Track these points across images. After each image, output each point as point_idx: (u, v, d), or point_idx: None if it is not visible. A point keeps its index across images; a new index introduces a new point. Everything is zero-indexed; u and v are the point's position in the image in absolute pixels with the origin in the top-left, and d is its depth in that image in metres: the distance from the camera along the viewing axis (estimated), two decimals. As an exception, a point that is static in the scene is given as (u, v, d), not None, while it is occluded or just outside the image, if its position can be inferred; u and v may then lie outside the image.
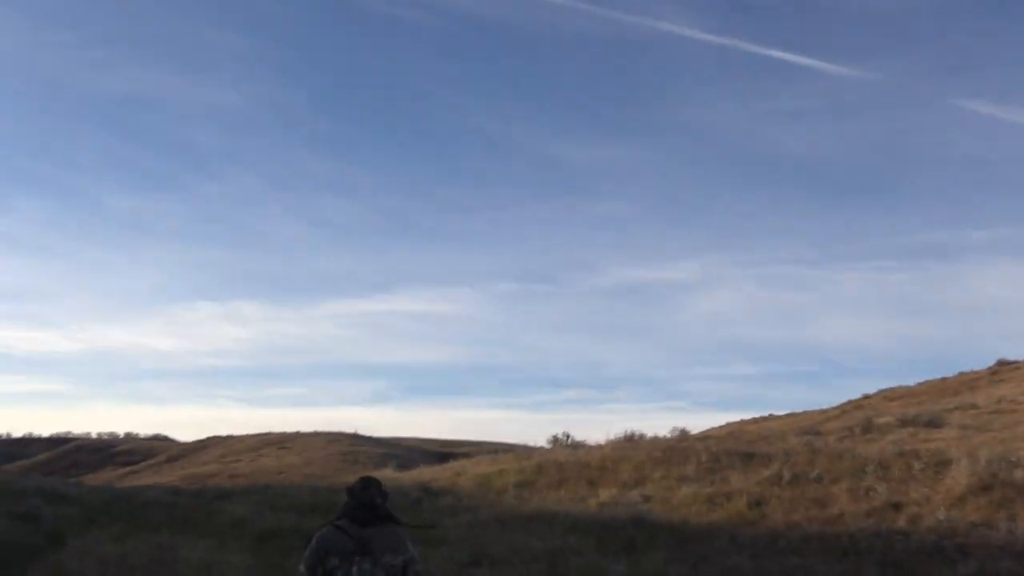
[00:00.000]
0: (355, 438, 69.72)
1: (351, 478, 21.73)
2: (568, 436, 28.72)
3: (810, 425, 29.00)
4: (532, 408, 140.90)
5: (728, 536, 14.61)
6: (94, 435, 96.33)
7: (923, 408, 28.48)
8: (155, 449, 77.85)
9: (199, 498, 21.56)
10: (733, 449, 21.54)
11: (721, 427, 35.28)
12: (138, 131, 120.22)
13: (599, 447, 24.47)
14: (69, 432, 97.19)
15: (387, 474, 26.39)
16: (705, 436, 27.07)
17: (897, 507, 14.51)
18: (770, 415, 39.32)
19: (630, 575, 11.68)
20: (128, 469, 67.50)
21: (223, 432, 76.63)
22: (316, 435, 70.60)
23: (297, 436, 70.94)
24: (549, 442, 28.93)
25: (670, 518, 16.32)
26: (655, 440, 25.22)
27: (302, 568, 5.39)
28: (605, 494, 19.05)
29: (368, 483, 5.58)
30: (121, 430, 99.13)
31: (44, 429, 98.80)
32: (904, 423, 24.31)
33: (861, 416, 28.49)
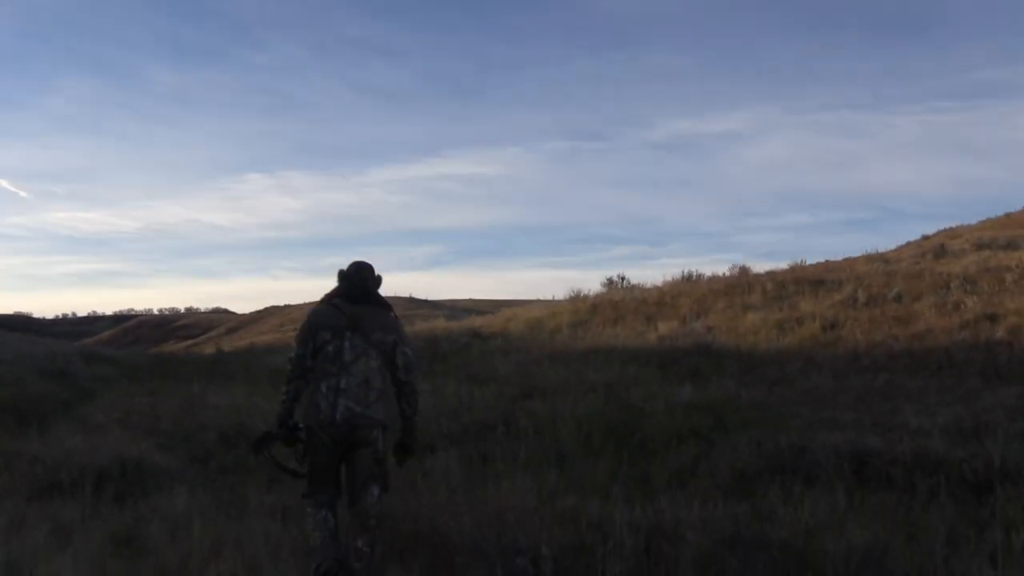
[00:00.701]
0: (410, 301, 69.11)
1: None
2: (623, 278, 26.98)
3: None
4: (585, 266, 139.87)
5: (803, 358, 13.15)
6: (155, 311, 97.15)
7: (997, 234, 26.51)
8: (214, 322, 78.24)
9: (242, 356, 20.51)
10: (800, 277, 19.94)
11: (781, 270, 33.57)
12: (180, 3, 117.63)
13: (656, 287, 22.91)
14: (131, 309, 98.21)
15: (438, 323, 25.14)
16: (766, 272, 25.32)
17: (993, 319, 12.92)
18: (827, 261, 37.45)
19: (697, 400, 10.26)
20: (189, 342, 67.79)
21: (280, 303, 76.34)
22: (372, 301, 69.92)
23: (353, 302, 70.30)
24: (603, 285, 27.21)
25: (737, 345, 14.87)
26: (714, 278, 23.52)
27: (295, 345, 5.28)
28: (664, 327, 17.61)
29: (361, 266, 5.50)
30: (181, 305, 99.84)
31: (108, 307, 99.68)
32: (980, 247, 22.40)
33: (930, 246, 26.63)
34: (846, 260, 25.91)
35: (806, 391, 11.19)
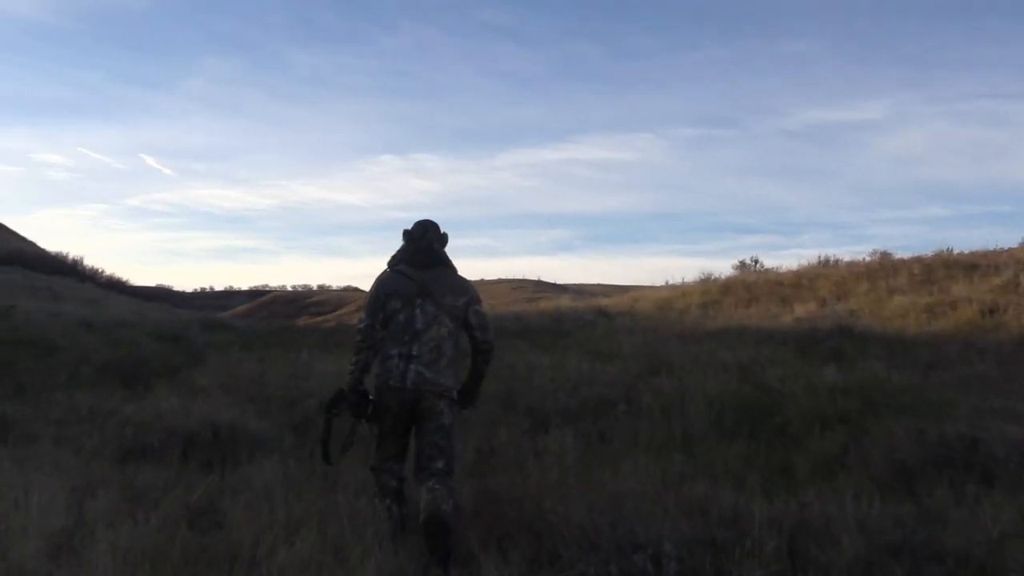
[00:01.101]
0: (538, 284, 68.51)
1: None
2: (756, 260, 25.57)
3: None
4: (714, 254, 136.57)
5: (961, 343, 11.80)
6: (289, 288, 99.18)
7: None
8: (345, 299, 78.98)
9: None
10: (950, 261, 18.33)
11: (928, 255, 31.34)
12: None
13: (791, 270, 21.54)
14: (266, 285, 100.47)
15: (564, 302, 24.38)
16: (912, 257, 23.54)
17: None
18: (974, 251, 34.83)
19: (843, 383, 9.12)
20: (320, 319, 68.60)
21: (409, 282, 76.55)
22: (500, 282, 69.77)
23: (481, 283, 70.09)
24: (735, 267, 25.85)
25: (883, 328, 13.58)
26: (854, 262, 21.92)
27: (363, 315, 5.12)
28: (802, 309, 16.38)
29: (426, 227, 5.24)
30: (314, 282, 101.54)
31: (243, 282, 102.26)
32: None
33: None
34: (997, 250, 23.89)
35: (968, 377, 9.90)
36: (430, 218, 5.29)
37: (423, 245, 5.16)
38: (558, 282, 73.59)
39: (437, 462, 4.85)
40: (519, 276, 71.75)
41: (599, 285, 78.97)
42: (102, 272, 44.23)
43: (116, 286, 43.12)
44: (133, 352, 13.06)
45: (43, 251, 44.20)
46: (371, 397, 5.06)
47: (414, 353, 4.90)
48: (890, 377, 9.63)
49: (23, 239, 46.13)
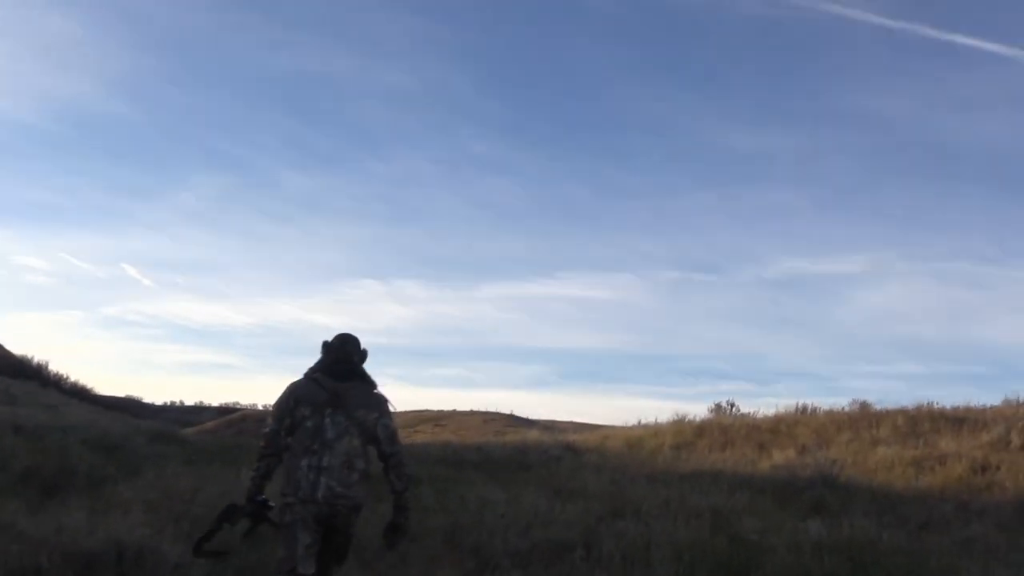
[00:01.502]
0: (511, 418, 66.88)
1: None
2: (732, 404, 24.54)
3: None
4: (690, 399, 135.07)
5: (954, 503, 10.79)
6: (260, 406, 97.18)
7: None
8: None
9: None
10: (936, 413, 17.44)
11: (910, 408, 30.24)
12: (313, 111, 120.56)
13: (769, 416, 20.56)
14: (237, 402, 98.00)
15: (531, 435, 23.18)
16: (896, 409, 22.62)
17: None
18: (956, 407, 33.76)
19: (832, 540, 8.09)
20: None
21: (385, 409, 75.08)
22: (472, 414, 68.19)
23: (453, 414, 68.72)
24: (711, 410, 24.80)
25: (868, 481, 12.54)
26: (833, 411, 20.94)
27: (270, 420, 5.12)
28: (779, 455, 15.36)
29: (346, 339, 5.20)
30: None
31: (215, 398, 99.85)
32: None
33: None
34: (981, 407, 23.00)
35: (966, 541, 8.84)
36: (351, 333, 5.23)
37: (341, 356, 5.08)
38: (530, 417, 72.09)
39: (334, 567, 4.99)
40: (492, 409, 70.36)
41: (571, 423, 77.08)
42: (67, 378, 42.69)
43: (80, 394, 41.50)
44: (61, 461, 11.83)
45: (8, 353, 42.76)
46: (271, 504, 4.96)
47: (324, 465, 4.78)
48: (881, 536, 8.59)
49: (-12, 340, 44.70)
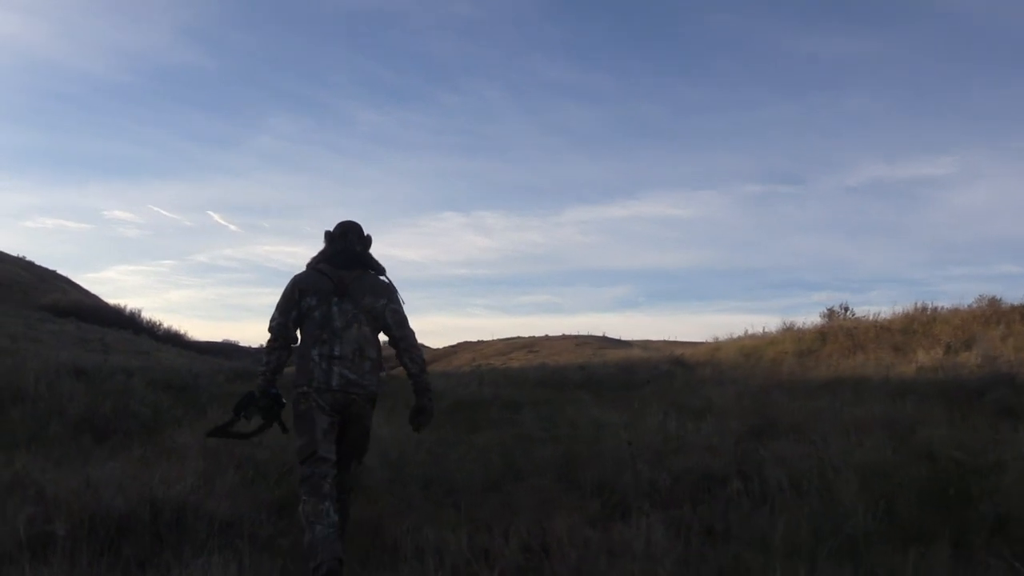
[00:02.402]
0: (603, 340, 65.35)
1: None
2: (847, 308, 22.31)
3: None
4: (781, 311, 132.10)
5: None
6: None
7: None
8: (411, 354, 76.84)
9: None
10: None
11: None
12: (382, 47, 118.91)
13: (902, 314, 18.25)
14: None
15: (635, 352, 21.42)
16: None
17: None
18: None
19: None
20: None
21: (473, 338, 74.24)
22: (564, 338, 66.81)
23: (545, 339, 67.45)
24: (823, 316, 22.61)
25: (1048, 378, 10.43)
26: (958, 309, 18.54)
27: (275, 313, 4.83)
28: (926, 357, 13.26)
29: (347, 227, 5.03)
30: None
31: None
32: None
33: None
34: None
35: None
36: (353, 220, 5.08)
37: (342, 246, 4.97)
38: (623, 338, 70.36)
39: (352, 462, 4.83)
40: (584, 332, 68.75)
41: (665, 341, 75.41)
42: (160, 325, 42.33)
43: (173, 339, 41.13)
44: (118, 403, 10.49)
45: (102, 303, 42.58)
46: (284, 401, 4.86)
47: (336, 354, 4.66)
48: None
49: (84, 292, 44.61)
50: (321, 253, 4.98)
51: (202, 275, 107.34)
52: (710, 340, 20.56)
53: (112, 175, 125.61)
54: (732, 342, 20.10)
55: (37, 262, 46.12)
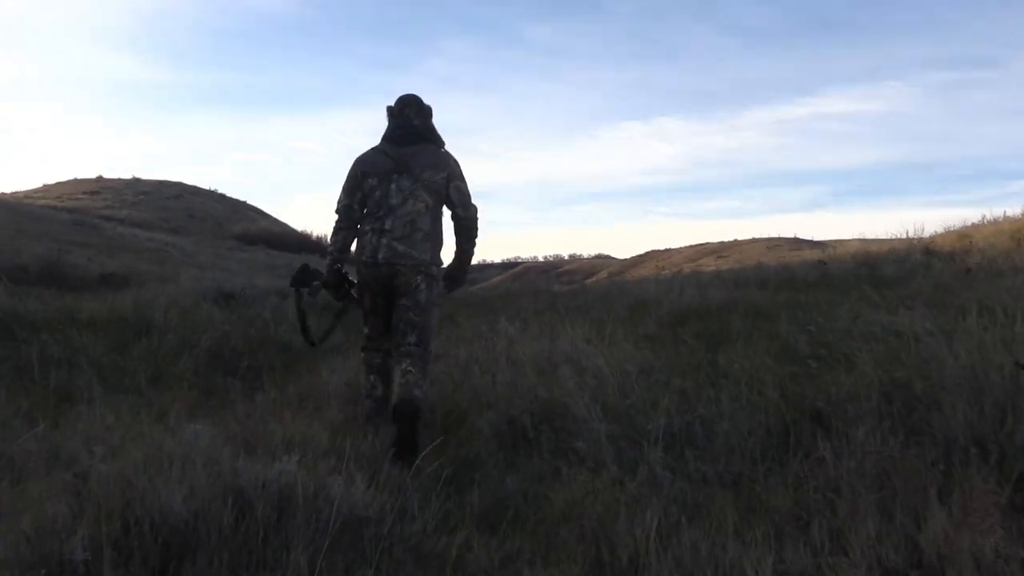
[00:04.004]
0: (795, 242, 60.83)
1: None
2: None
3: None
4: (978, 203, 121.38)
5: None
6: (540, 258, 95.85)
7: None
8: (596, 267, 74.58)
9: (605, 289, 14.81)
10: None
11: None
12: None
13: None
14: (518, 256, 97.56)
15: (851, 246, 18.08)
16: None
17: None
18: None
19: None
20: (572, 287, 64.30)
21: (660, 246, 71.30)
22: (754, 242, 62.72)
23: (735, 244, 63.67)
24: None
25: None
26: None
27: (341, 195, 4.90)
28: None
29: (405, 101, 4.93)
30: (565, 252, 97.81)
31: (496, 255, 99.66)
32: None
33: None
34: None
35: None
36: (413, 92, 4.94)
37: (401, 121, 4.89)
38: (815, 238, 65.49)
39: (410, 337, 4.65)
40: (775, 234, 64.40)
41: (861, 239, 69.95)
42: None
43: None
44: (261, 333, 8.48)
45: (290, 230, 42.18)
46: (352, 279, 4.93)
47: (386, 228, 4.69)
48: None
49: (273, 220, 44.29)
50: (386, 131, 4.90)
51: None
52: (902, 236, 16.88)
53: (294, 107, 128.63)
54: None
55: (229, 194, 46.06)
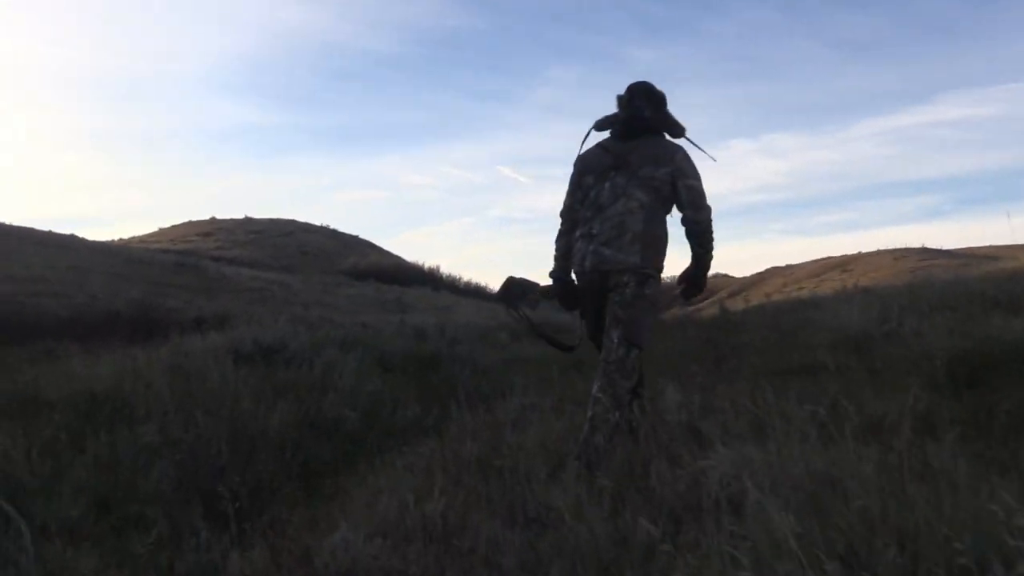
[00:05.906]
0: (923, 252, 57.01)
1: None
2: None
3: None
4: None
5: None
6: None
7: None
8: (716, 286, 71.84)
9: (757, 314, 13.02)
10: None
11: None
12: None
13: None
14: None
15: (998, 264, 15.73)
16: None
17: None
18: None
19: None
20: (691, 309, 61.74)
21: (779, 263, 68.16)
22: (879, 253, 59.01)
23: (858, 256, 60.03)
24: None
25: None
26: None
27: (565, 196, 4.47)
28: None
29: (633, 91, 4.33)
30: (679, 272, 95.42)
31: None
32: None
33: None
34: None
35: None
36: (643, 80, 4.36)
37: (629, 113, 4.30)
38: (942, 247, 61.31)
39: (613, 333, 4.08)
40: (901, 245, 60.50)
41: (990, 247, 65.24)
42: (459, 279, 40.38)
43: (474, 292, 38.96)
44: (292, 414, 6.49)
45: (401, 262, 41.26)
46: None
47: (594, 232, 4.21)
48: None
49: (384, 252, 43.56)
50: (613, 116, 4.36)
51: (498, 228, 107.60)
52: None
53: (405, 142, 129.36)
54: None
55: (341, 230, 45.58)
